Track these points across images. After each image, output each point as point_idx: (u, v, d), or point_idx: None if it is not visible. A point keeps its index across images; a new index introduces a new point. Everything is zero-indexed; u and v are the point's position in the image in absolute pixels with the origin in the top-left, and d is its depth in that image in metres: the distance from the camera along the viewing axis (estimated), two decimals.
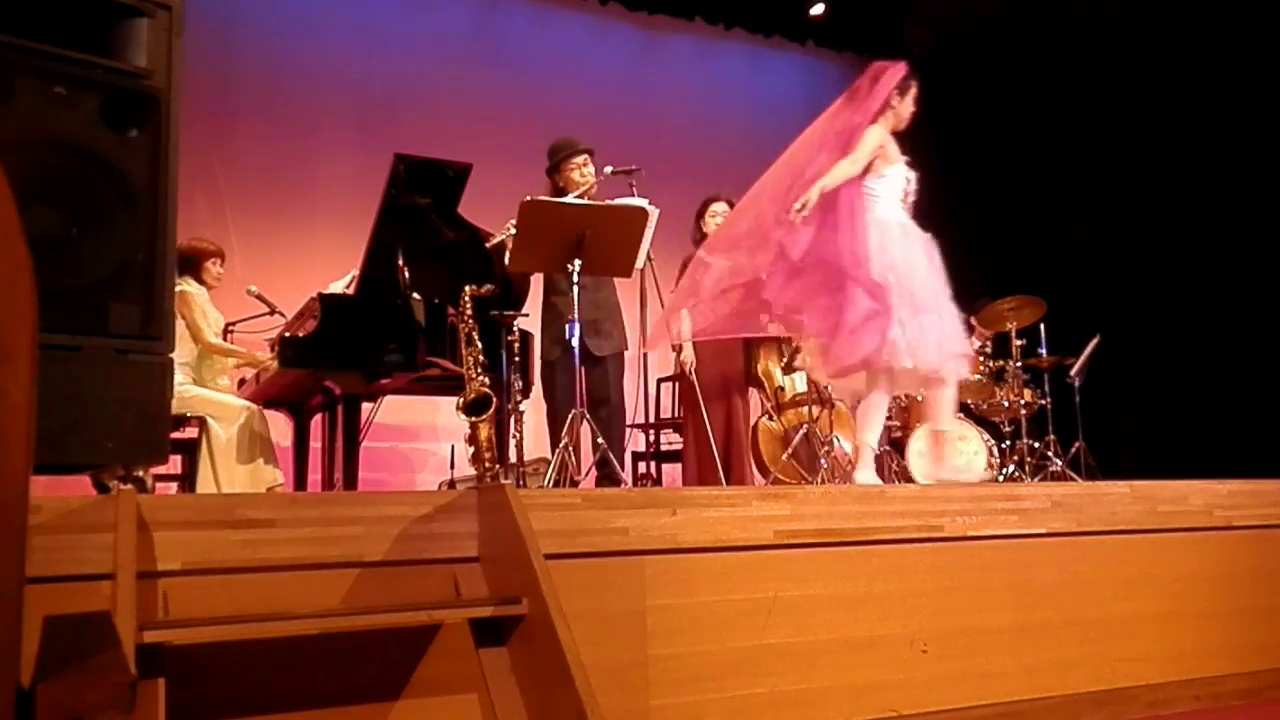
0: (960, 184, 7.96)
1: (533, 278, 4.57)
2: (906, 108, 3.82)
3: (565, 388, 4.18)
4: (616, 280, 4.56)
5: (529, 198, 3.68)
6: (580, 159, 4.44)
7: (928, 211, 4.14)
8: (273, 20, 6.66)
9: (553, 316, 4.44)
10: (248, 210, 6.36)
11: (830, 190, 3.49)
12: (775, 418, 5.41)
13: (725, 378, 4.84)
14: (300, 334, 3.86)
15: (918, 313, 3.44)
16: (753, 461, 5.27)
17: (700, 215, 4.97)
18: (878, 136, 3.66)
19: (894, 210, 3.69)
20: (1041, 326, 5.92)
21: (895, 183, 3.72)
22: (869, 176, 3.62)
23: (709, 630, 2.43)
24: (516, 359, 4.10)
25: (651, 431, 5.36)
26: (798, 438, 4.89)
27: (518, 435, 4.00)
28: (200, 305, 4.44)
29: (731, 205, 5.00)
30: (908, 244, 3.63)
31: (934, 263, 3.64)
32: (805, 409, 5.05)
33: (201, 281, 4.56)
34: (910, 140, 3.98)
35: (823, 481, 4.28)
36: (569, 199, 4.14)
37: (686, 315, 4.76)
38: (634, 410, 4.67)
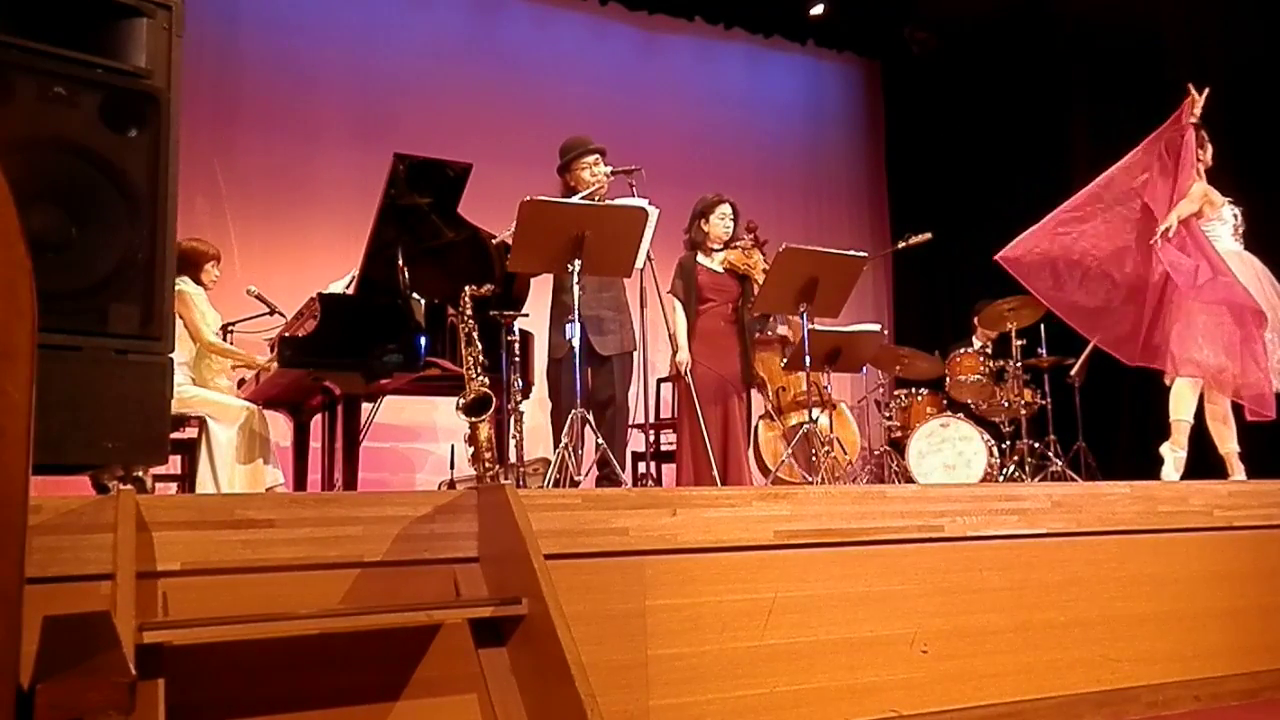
0: (960, 184, 7.97)
1: (537, 277, 4.57)
2: (1209, 154, 4.52)
3: (570, 387, 4.18)
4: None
5: (529, 198, 3.68)
6: (591, 159, 4.45)
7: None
8: (273, 20, 6.66)
9: (560, 313, 4.44)
10: (248, 210, 6.36)
11: (1182, 237, 4.30)
12: (776, 418, 5.42)
13: (722, 379, 4.83)
14: (300, 334, 3.86)
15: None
16: (753, 461, 5.27)
17: (704, 216, 4.95)
18: (1200, 188, 4.38)
19: (1232, 244, 4.37)
20: (1041, 326, 5.92)
21: (1227, 222, 4.40)
22: (1202, 221, 4.34)
23: (709, 630, 2.43)
24: (516, 359, 4.09)
25: (651, 431, 5.36)
26: (798, 438, 4.89)
27: (518, 435, 4.00)
28: (198, 305, 4.44)
29: (734, 207, 5.01)
30: (1247, 271, 4.27)
31: (1270, 283, 4.29)
32: (805, 409, 5.05)
33: (199, 283, 4.56)
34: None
35: (823, 481, 4.28)
36: (572, 199, 4.14)
37: (681, 312, 4.78)
38: (634, 410, 4.68)
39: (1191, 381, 4.25)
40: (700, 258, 4.94)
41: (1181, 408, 4.26)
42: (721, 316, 4.91)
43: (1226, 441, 4.27)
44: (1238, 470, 4.24)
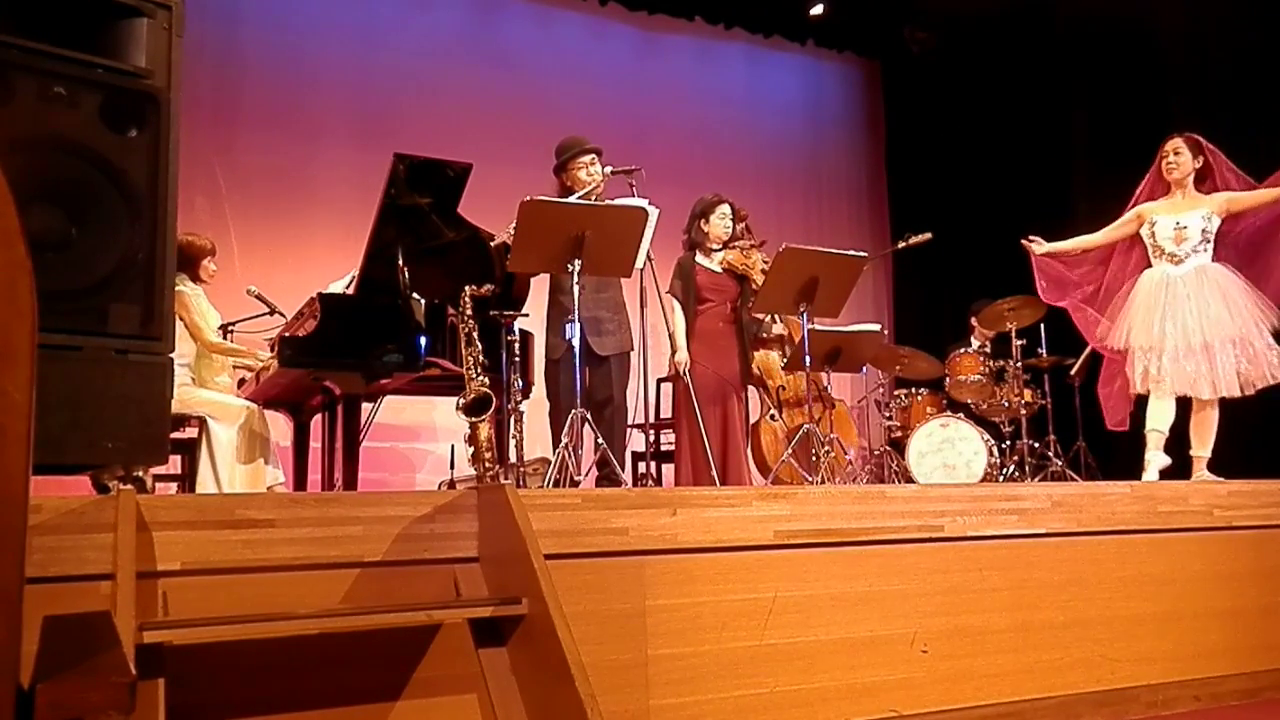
0: (960, 184, 7.97)
1: (536, 277, 4.57)
2: (1166, 165, 4.44)
3: (569, 387, 4.18)
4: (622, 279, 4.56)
5: (529, 198, 3.68)
6: (587, 159, 4.44)
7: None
8: (273, 20, 6.66)
9: (558, 314, 4.44)
10: (248, 210, 6.36)
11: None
12: (778, 416, 5.41)
13: (721, 378, 4.83)
14: (300, 334, 3.86)
15: (1178, 350, 4.19)
16: (753, 461, 5.27)
17: (704, 216, 4.95)
18: (1132, 213, 4.52)
19: (1160, 261, 4.37)
20: (1041, 326, 5.92)
21: (1157, 234, 4.38)
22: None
23: (709, 630, 2.43)
24: (516, 359, 4.09)
25: (651, 431, 5.36)
26: (798, 438, 4.89)
27: (518, 435, 4.00)
28: (197, 305, 4.44)
29: (734, 208, 5.02)
30: (1167, 291, 4.28)
31: (1205, 298, 4.21)
32: (806, 409, 5.05)
33: (197, 279, 4.55)
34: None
35: (823, 481, 4.28)
36: (571, 199, 4.14)
37: (680, 313, 4.79)
38: (634, 410, 4.68)
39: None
40: (699, 258, 4.94)
41: (1150, 418, 4.31)
42: (720, 317, 4.91)
43: (1196, 447, 4.29)
44: (1198, 471, 4.26)
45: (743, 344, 4.98)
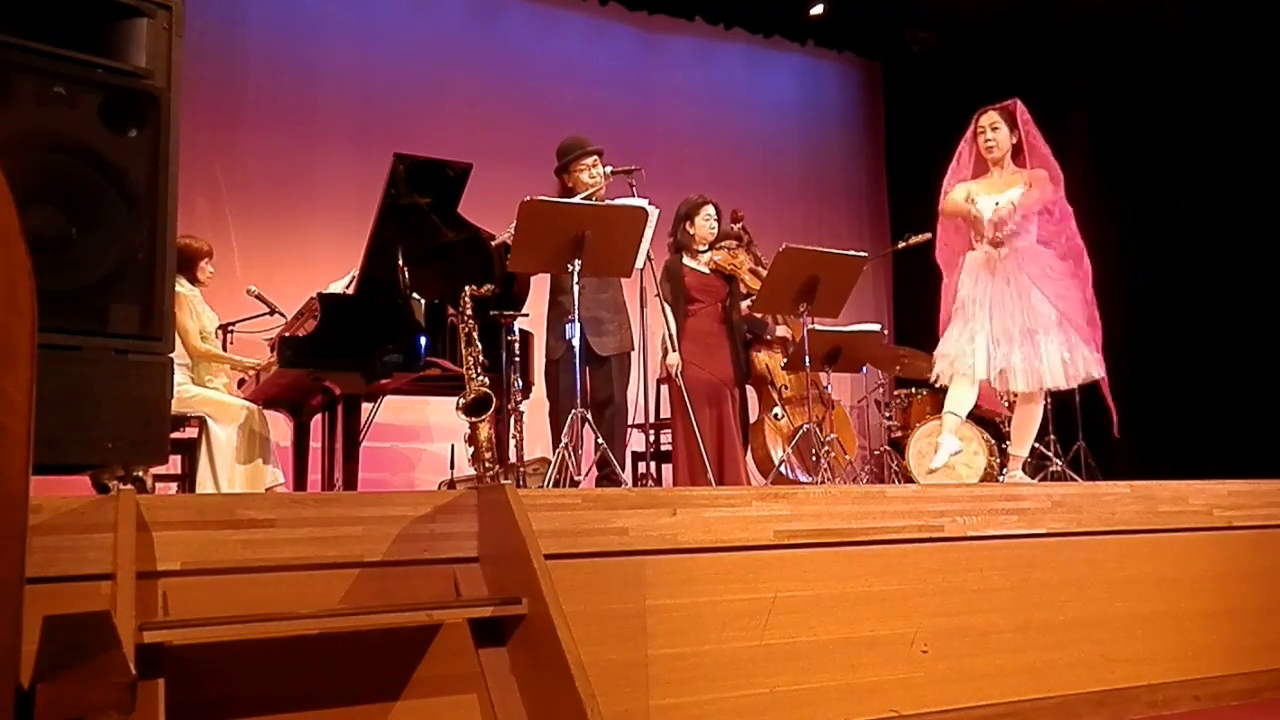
0: None
1: (536, 277, 4.57)
2: (985, 143, 4.19)
3: (568, 387, 4.18)
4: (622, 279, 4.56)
5: (529, 198, 3.68)
6: (590, 160, 4.44)
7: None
8: (274, 20, 6.66)
9: (558, 315, 4.44)
10: (248, 210, 6.36)
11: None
12: (784, 414, 5.40)
13: (715, 380, 4.82)
14: (300, 334, 3.86)
15: (1000, 340, 3.96)
16: (754, 460, 5.27)
17: (689, 218, 4.95)
18: (957, 192, 4.21)
19: (981, 244, 4.11)
20: None
21: (977, 219, 4.11)
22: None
23: (709, 630, 2.43)
24: (516, 359, 4.10)
25: (651, 431, 5.36)
26: (797, 437, 4.89)
27: (518, 435, 4.00)
28: (192, 307, 4.43)
29: (718, 209, 5.02)
30: (984, 276, 4.06)
31: (1026, 283, 3.96)
32: (804, 409, 5.05)
33: (195, 281, 4.55)
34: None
35: (822, 481, 4.28)
36: (572, 200, 4.14)
37: (669, 312, 4.80)
38: (634, 410, 4.68)
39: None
40: (686, 260, 4.94)
41: (949, 400, 4.14)
42: (710, 317, 4.91)
43: (1014, 444, 4.15)
44: (1012, 470, 4.12)
45: (734, 344, 4.97)
